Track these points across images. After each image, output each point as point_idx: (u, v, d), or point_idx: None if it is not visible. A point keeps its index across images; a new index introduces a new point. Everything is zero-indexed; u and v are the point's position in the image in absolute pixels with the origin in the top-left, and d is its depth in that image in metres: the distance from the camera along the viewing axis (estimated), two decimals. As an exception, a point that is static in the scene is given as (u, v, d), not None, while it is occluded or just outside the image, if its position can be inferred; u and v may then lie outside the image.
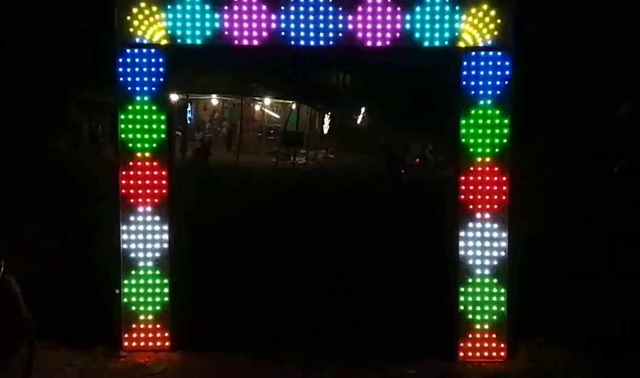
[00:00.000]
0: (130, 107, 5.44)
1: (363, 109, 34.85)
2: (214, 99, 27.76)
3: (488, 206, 5.41)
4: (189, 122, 26.79)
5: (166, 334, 5.64)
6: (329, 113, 32.82)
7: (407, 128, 26.21)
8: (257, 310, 6.32)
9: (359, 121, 35.87)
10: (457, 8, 5.28)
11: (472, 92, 5.39)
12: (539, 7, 8.09)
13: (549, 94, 9.34)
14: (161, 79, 5.45)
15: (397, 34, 5.29)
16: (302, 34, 5.35)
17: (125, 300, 5.58)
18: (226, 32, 5.36)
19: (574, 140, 8.85)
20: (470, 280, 5.50)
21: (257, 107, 29.38)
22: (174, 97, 22.13)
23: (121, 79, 5.42)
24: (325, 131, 33.13)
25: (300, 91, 24.91)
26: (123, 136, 5.47)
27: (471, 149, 5.41)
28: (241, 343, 5.66)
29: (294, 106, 25.72)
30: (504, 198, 5.40)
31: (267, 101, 27.73)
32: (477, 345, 5.54)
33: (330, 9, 5.29)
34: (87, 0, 11.53)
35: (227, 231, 9.13)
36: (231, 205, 11.50)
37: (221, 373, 5.35)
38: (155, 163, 5.49)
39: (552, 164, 9.07)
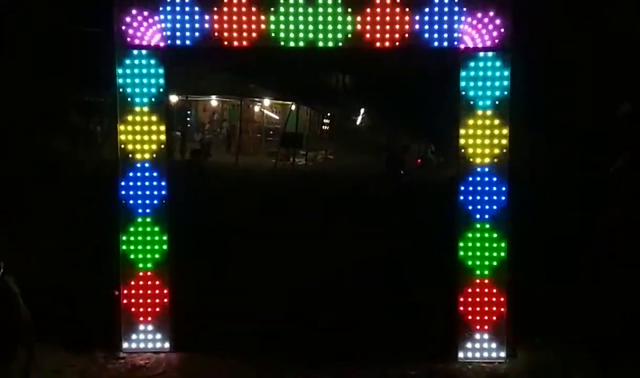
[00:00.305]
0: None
1: (362, 110, 34.80)
2: (214, 100, 27.72)
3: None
4: (188, 118, 26.67)
5: (166, 335, 5.63)
6: (329, 114, 32.79)
7: (407, 129, 26.16)
8: (257, 310, 6.32)
9: (358, 122, 35.82)
10: (456, 10, 5.28)
11: (471, 93, 5.42)
12: (539, 8, 8.11)
13: (548, 95, 9.36)
14: (160, 81, 5.46)
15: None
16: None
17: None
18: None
19: (574, 140, 8.86)
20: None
21: (257, 109, 29.32)
22: (174, 98, 22.15)
23: (120, 80, 5.43)
24: (325, 131, 33.08)
25: (299, 92, 24.86)
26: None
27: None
28: (241, 344, 5.66)
29: (293, 107, 25.70)
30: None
31: (267, 102, 27.68)
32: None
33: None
34: (86, 1, 11.54)
35: (227, 232, 9.13)
36: (231, 206, 11.49)
37: (221, 373, 5.34)
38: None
39: (552, 164, 9.09)
